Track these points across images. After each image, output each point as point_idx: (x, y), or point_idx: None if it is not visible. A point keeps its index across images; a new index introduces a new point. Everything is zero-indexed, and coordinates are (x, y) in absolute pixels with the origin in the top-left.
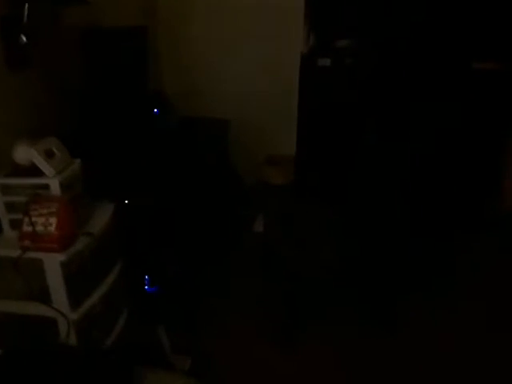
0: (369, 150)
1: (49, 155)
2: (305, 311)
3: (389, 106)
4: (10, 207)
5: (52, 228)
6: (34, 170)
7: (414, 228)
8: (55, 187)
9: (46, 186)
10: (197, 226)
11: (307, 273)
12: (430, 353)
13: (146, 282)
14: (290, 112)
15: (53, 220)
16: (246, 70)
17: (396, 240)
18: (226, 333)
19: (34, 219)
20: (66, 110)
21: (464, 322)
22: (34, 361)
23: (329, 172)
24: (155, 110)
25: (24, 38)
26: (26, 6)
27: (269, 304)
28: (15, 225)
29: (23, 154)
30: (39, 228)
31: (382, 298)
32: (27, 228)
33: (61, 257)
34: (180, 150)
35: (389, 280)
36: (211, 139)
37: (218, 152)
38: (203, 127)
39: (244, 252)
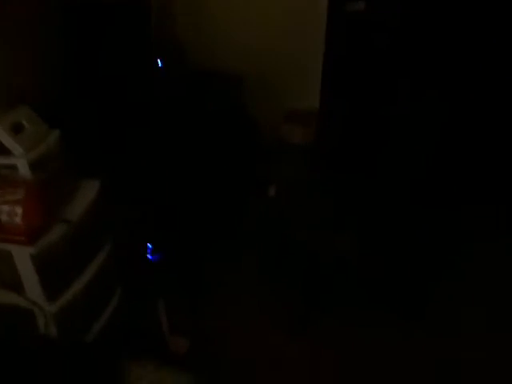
0: (402, 111)
1: (17, 130)
2: (321, 294)
3: (430, 60)
4: None
5: (18, 218)
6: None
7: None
8: (24, 168)
9: (14, 167)
10: (206, 188)
11: (323, 251)
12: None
13: (148, 250)
14: (316, 61)
15: (18, 209)
16: (268, 13)
17: (424, 217)
18: (228, 314)
19: None
20: (49, 71)
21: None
22: (7, 355)
23: (354, 134)
24: (159, 62)
25: None
26: None
27: (279, 283)
28: None
29: None
30: (4, 217)
31: (408, 281)
32: None
33: (31, 249)
34: (187, 106)
35: (417, 262)
36: (223, 96)
37: (231, 109)
38: (215, 82)
39: (256, 221)
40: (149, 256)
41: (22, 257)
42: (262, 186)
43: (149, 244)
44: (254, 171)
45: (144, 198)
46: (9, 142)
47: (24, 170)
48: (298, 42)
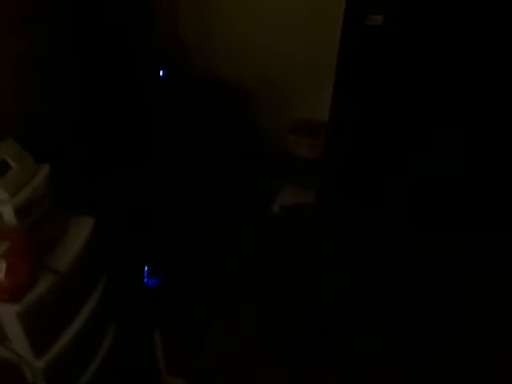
0: (419, 127)
1: (1, 170)
2: (320, 330)
3: (450, 73)
4: None
5: (1, 274)
6: None
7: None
8: (9, 215)
9: None
10: (207, 203)
11: (326, 291)
12: None
13: (145, 274)
14: (326, 71)
15: (2, 264)
16: (278, 20)
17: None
18: (228, 349)
19: None
20: (37, 93)
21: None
22: None
23: (367, 149)
24: (161, 72)
25: None
26: None
27: (279, 319)
28: None
29: None
30: None
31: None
32: None
33: (16, 307)
34: (190, 116)
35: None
36: (228, 105)
37: (236, 119)
38: (220, 91)
39: (258, 238)
40: (145, 280)
41: (7, 314)
42: (266, 200)
43: (146, 267)
44: (257, 184)
45: (142, 218)
46: None
47: (9, 217)
48: (308, 50)
